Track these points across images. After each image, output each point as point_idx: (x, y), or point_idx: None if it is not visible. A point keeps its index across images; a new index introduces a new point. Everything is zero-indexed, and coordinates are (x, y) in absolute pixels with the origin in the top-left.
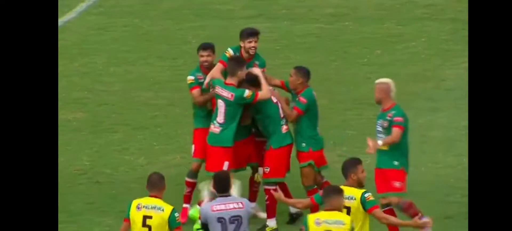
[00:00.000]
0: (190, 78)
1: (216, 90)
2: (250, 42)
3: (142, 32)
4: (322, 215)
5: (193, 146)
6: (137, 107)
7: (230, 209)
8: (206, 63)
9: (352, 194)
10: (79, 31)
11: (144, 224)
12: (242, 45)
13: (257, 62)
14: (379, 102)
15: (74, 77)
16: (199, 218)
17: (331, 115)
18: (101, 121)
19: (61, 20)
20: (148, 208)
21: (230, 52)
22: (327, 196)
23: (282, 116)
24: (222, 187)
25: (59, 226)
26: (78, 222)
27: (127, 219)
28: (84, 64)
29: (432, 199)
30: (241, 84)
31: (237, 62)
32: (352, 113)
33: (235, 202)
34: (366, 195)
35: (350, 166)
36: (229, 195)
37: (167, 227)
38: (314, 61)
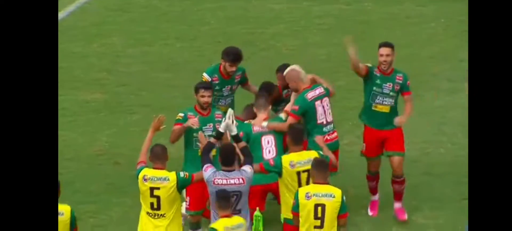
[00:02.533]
0: (180, 115)
1: (256, 129)
2: (231, 66)
3: (161, 13)
4: (312, 188)
5: (187, 198)
6: (156, 89)
7: (231, 184)
8: (206, 105)
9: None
10: (97, 12)
11: (152, 195)
12: (222, 63)
13: (239, 73)
14: (295, 90)
15: (93, 58)
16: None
17: (350, 96)
18: (120, 101)
19: (79, 1)
20: (154, 180)
21: (205, 76)
22: (317, 169)
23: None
24: (226, 160)
25: (78, 206)
26: (97, 202)
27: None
28: (103, 45)
29: (451, 180)
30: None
31: (268, 96)
32: None
33: (237, 178)
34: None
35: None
36: (233, 170)
37: (175, 192)
38: (333, 42)
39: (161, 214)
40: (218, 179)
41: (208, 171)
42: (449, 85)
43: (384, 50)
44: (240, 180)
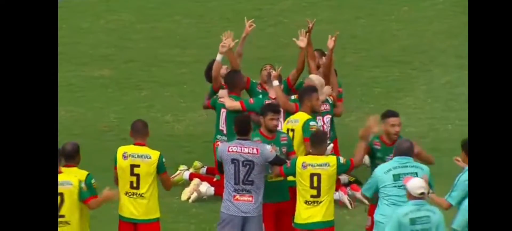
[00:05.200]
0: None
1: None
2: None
3: None
4: (308, 159)
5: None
6: (164, 65)
7: (244, 153)
8: (275, 128)
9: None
10: None
11: (132, 173)
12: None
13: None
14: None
15: (101, 34)
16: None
17: (358, 72)
18: (127, 77)
19: None
20: (135, 157)
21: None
22: (315, 143)
23: None
24: (241, 130)
25: None
26: (104, 179)
27: (116, 167)
28: (111, 21)
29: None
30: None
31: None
32: (379, 71)
33: (251, 148)
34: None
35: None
36: (248, 139)
37: (155, 173)
38: (341, 19)
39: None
40: (233, 146)
41: (220, 144)
42: (457, 62)
43: (396, 120)
44: (254, 150)
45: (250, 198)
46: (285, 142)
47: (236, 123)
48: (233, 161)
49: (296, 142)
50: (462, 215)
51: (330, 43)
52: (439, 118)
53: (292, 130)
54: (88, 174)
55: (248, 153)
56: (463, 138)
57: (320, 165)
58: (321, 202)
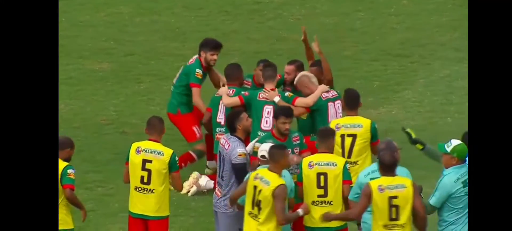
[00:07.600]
0: (258, 146)
1: (261, 97)
2: (212, 55)
3: None
4: (315, 157)
5: None
6: (163, 58)
7: (224, 147)
8: (287, 132)
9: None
10: None
11: (143, 168)
12: (203, 55)
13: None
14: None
15: (100, 27)
16: None
17: (357, 66)
18: (127, 71)
19: None
20: (148, 152)
21: (199, 73)
22: (322, 138)
23: None
24: (229, 126)
25: (85, 175)
26: (104, 171)
27: (127, 162)
28: (110, 14)
29: None
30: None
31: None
32: (378, 64)
33: (227, 143)
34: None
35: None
36: (235, 136)
37: (166, 171)
38: (340, 12)
39: (150, 189)
40: (222, 139)
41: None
42: (456, 55)
43: None
44: (227, 145)
45: (219, 193)
46: (297, 142)
47: (227, 118)
48: (219, 154)
49: (357, 148)
50: (438, 191)
51: (315, 47)
52: (439, 111)
53: (352, 135)
54: (66, 165)
55: (224, 148)
56: (464, 132)
57: (327, 164)
58: (329, 202)
